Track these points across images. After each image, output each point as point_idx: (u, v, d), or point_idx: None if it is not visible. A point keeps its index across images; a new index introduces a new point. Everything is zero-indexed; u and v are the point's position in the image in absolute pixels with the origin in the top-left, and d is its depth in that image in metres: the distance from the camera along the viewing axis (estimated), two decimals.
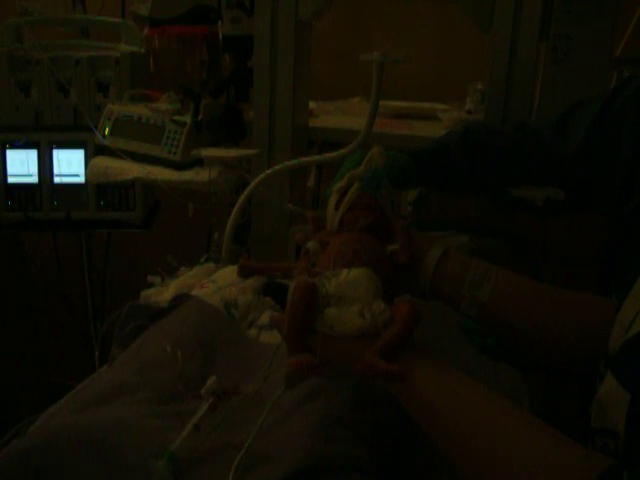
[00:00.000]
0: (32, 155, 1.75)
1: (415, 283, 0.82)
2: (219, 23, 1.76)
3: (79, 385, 0.93)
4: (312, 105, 1.93)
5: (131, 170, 1.52)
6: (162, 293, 1.17)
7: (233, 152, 1.57)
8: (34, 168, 1.75)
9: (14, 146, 1.74)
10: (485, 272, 0.78)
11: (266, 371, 0.77)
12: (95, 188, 1.76)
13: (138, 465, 0.72)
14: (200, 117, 1.57)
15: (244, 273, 0.84)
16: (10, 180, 1.75)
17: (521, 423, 0.57)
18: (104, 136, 1.60)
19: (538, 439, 0.55)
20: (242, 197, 1.35)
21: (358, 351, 0.65)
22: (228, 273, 1.19)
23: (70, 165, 1.77)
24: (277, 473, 0.69)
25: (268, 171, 1.36)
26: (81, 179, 1.76)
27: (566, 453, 0.53)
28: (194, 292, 1.13)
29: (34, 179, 1.76)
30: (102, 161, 1.57)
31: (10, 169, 1.75)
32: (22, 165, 1.75)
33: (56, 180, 1.76)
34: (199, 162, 1.55)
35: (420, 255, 0.81)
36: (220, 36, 1.76)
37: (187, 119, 1.56)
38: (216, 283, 1.16)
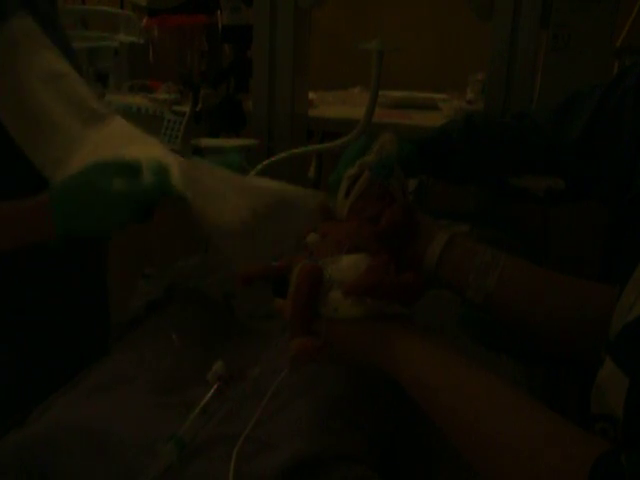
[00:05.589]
0: None
1: (419, 269, 0.81)
2: (218, 13, 1.75)
3: (78, 375, 0.93)
4: (311, 95, 1.92)
5: None
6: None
7: (232, 142, 1.56)
8: None
9: None
10: (492, 259, 0.77)
11: (270, 354, 0.77)
12: None
13: (138, 457, 0.72)
14: (199, 107, 1.57)
15: (246, 282, 0.82)
16: None
17: (520, 405, 0.57)
18: None
19: (537, 421, 0.55)
20: None
21: (361, 333, 0.65)
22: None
23: None
24: (276, 462, 0.69)
25: (268, 161, 1.36)
26: None
27: (565, 435, 0.53)
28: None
29: None
30: None
31: None
32: None
33: None
34: (198, 152, 1.54)
35: (426, 241, 0.80)
36: (219, 26, 1.75)
37: (186, 109, 1.56)
38: None
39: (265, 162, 1.37)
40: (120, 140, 1.05)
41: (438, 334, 0.79)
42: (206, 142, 1.53)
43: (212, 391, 0.75)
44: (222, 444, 0.73)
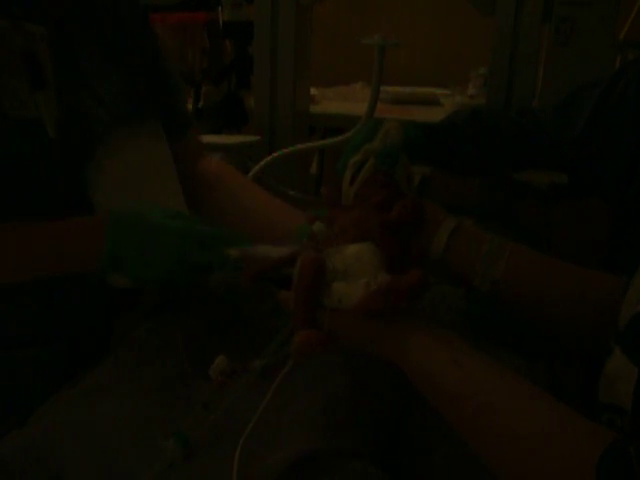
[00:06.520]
0: None
1: (425, 257, 0.81)
2: (219, 9, 1.75)
3: (79, 375, 0.93)
4: (313, 91, 1.92)
5: None
6: None
7: (234, 139, 1.56)
8: None
9: None
10: (499, 247, 0.77)
11: (273, 348, 0.76)
12: None
13: (141, 455, 0.72)
14: (201, 104, 1.57)
15: (253, 280, 0.81)
16: None
17: (527, 396, 0.57)
18: None
19: (544, 412, 0.55)
20: None
21: (367, 323, 0.65)
22: None
23: None
24: (279, 459, 0.69)
25: (270, 157, 1.36)
26: None
27: (573, 427, 0.53)
28: None
29: None
30: None
31: None
32: None
33: None
34: None
35: (432, 228, 0.80)
36: (220, 22, 1.75)
37: (188, 106, 1.55)
38: None
39: (267, 159, 1.37)
40: None
41: (443, 326, 0.79)
42: (208, 139, 1.53)
43: (214, 386, 0.75)
44: (225, 441, 0.72)
